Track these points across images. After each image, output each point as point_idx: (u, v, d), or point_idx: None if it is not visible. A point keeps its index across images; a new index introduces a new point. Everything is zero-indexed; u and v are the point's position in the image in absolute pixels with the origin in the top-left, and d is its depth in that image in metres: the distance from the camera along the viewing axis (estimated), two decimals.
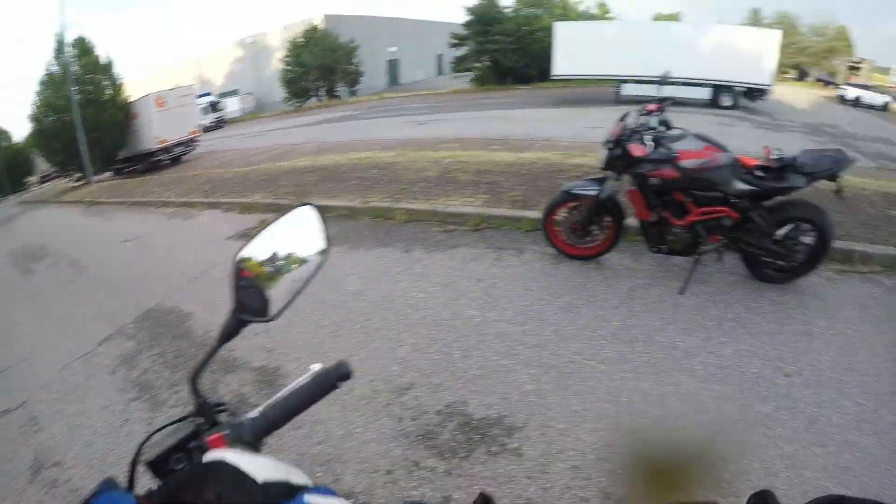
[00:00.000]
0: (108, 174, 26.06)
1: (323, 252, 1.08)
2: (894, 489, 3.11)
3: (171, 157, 22.37)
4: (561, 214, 5.24)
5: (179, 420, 0.98)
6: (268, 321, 1.02)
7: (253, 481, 0.76)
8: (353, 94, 39.44)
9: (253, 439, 0.91)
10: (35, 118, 26.68)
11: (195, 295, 6.03)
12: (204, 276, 6.47)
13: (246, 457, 0.81)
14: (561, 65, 27.29)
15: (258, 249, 1.02)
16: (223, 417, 0.99)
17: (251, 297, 1.00)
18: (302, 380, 0.99)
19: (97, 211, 15.93)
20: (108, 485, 0.83)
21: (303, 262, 1.05)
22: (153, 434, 0.96)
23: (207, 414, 0.97)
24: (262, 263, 1.02)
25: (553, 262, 5.30)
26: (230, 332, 0.99)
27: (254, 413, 0.96)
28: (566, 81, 30.39)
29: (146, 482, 0.91)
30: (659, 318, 4.51)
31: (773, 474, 3.11)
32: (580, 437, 3.23)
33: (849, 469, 3.20)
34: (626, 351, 4.07)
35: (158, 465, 0.90)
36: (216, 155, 20.46)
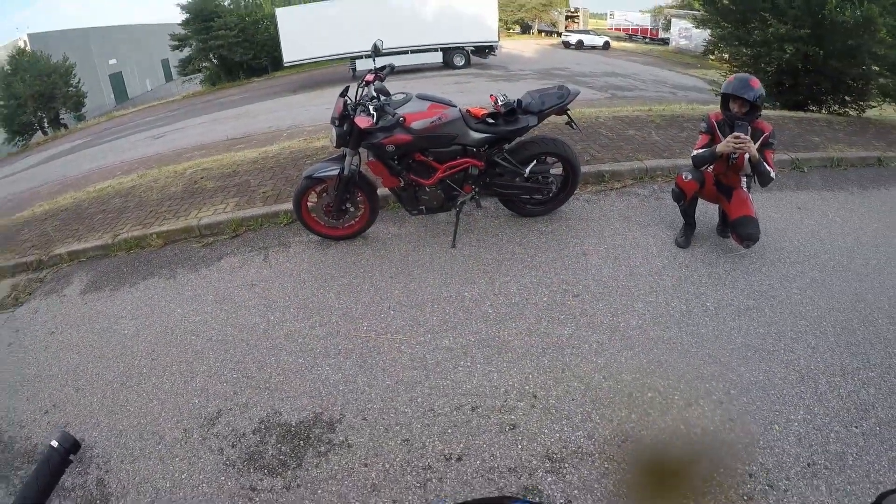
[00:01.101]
0: None
1: None
2: (712, 370, 3.38)
3: None
4: (312, 200, 5.16)
5: None
6: None
7: None
8: (80, 118, 35.13)
9: None
10: None
11: None
12: None
13: None
14: (291, 51, 27.22)
15: None
16: None
17: None
18: (27, 476, 0.96)
19: None
20: None
21: None
22: None
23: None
24: None
25: (321, 249, 5.26)
26: None
27: None
28: (300, 67, 30.44)
29: None
30: (440, 275, 4.58)
31: (595, 387, 3.28)
32: (400, 409, 3.25)
33: (662, 362, 3.46)
34: (418, 315, 4.10)
35: None
36: None
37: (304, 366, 3.73)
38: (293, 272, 4.94)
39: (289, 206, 5.77)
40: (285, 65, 28.93)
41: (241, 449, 3.16)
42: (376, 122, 4.40)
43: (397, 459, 2.93)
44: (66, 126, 33.96)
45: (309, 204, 5.14)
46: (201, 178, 7.51)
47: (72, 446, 1.00)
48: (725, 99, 4.30)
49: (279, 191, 6.45)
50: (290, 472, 2.95)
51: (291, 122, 13.83)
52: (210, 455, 3.15)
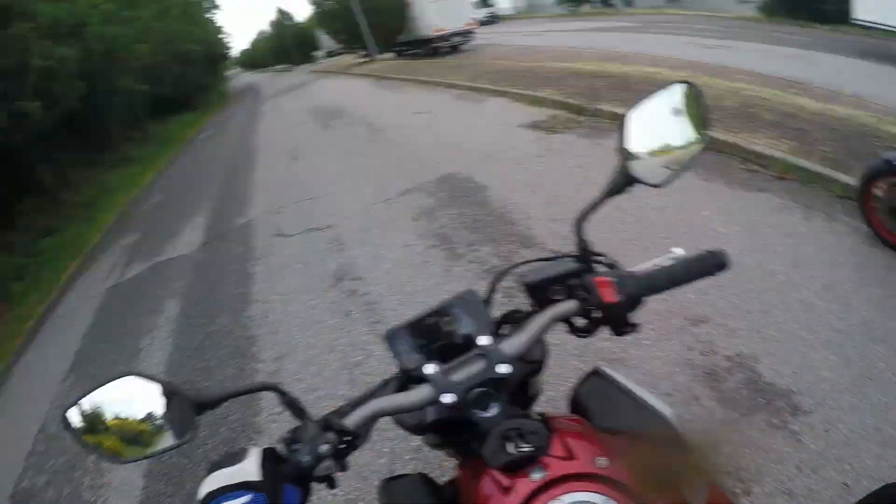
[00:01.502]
0: (389, 55, 28.75)
1: (703, 137, 1.07)
2: None
3: (449, 46, 23.66)
4: (881, 189, 4.08)
5: (557, 257, 1.07)
6: (655, 187, 1.09)
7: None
8: (627, 3, 37.12)
9: (636, 293, 0.97)
10: (315, 2, 31.37)
11: (491, 171, 6.35)
12: (500, 155, 6.78)
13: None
14: (865, 7, 21.94)
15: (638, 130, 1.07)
16: (599, 268, 1.05)
17: (642, 166, 1.07)
18: (679, 257, 1.02)
19: (386, 84, 17.66)
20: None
21: (690, 143, 1.06)
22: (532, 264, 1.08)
23: (587, 259, 1.04)
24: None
25: (867, 243, 4.31)
26: (618, 187, 1.07)
27: (639, 270, 1.01)
28: (867, 30, 24.93)
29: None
30: None
31: None
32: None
33: None
34: None
35: (536, 289, 1.04)
36: (494, 48, 20.64)
37: (804, 341, 3.21)
38: (830, 248, 4.17)
39: (848, 178, 4.87)
40: (851, 20, 23.20)
41: (708, 361, 3.08)
42: None
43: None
44: (613, 6, 36.05)
45: (876, 191, 4.06)
46: (757, 104, 7.09)
47: (720, 264, 1.00)
48: None
49: (839, 158, 5.57)
50: (731, 412, 2.71)
51: (856, 90, 11.83)
52: (678, 345, 3.19)
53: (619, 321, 0.99)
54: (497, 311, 1.11)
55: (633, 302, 0.97)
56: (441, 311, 1.05)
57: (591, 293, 0.97)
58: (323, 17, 32.02)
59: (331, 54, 48.50)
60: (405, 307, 4.40)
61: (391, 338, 1.04)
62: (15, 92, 9.77)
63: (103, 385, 0.92)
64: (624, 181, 1.07)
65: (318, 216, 7.01)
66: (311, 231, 6.60)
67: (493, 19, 39.20)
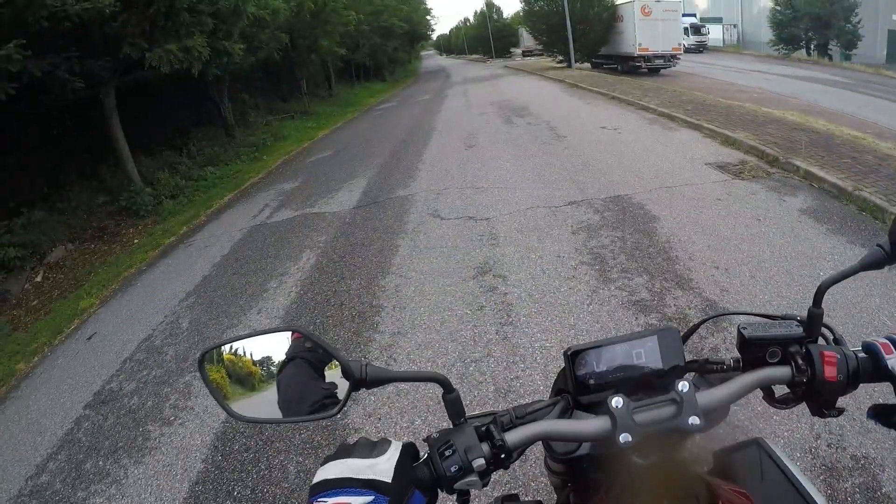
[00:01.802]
0: (586, 65, 29.14)
1: None
2: None
3: (649, 67, 23.53)
4: None
5: (784, 317, 1.02)
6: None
7: None
8: (846, 58, 34.29)
9: (858, 377, 0.93)
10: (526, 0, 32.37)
11: (665, 203, 6.32)
12: (678, 189, 6.66)
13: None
14: None
15: None
16: (821, 340, 1.01)
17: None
18: None
19: (578, 93, 17.67)
20: None
21: None
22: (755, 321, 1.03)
23: (815, 327, 0.98)
24: None
25: None
26: (878, 262, 1.00)
27: (862, 353, 0.96)
28: None
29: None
30: None
31: None
32: None
33: None
34: None
35: (751, 345, 0.98)
36: (695, 78, 20.39)
37: None
38: None
39: None
40: None
41: None
42: None
43: None
44: (830, 58, 33.72)
45: None
46: None
47: None
48: None
49: None
50: None
51: None
52: None
53: (827, 402, 0.95)
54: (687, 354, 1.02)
55: (851, 385, 0.93)
56: (631, 341, 0.99)
57: (811, 365, 0.94)
58: (529, 14, 33.10)
59: (527, 54, 49.59)
60: (540, 316, 4.36)
61: (573, 357, 0.98)
62: (224, 32, 10.91)
63: (261, 333, 0.90)
64: (886, 258, 0.99)
65: (478, 206, 7.15)
66: (468, 219, 6.74)
67: (700, 48, 38.21)
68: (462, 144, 11.25)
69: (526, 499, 1.10)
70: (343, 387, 0.87)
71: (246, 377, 0.90)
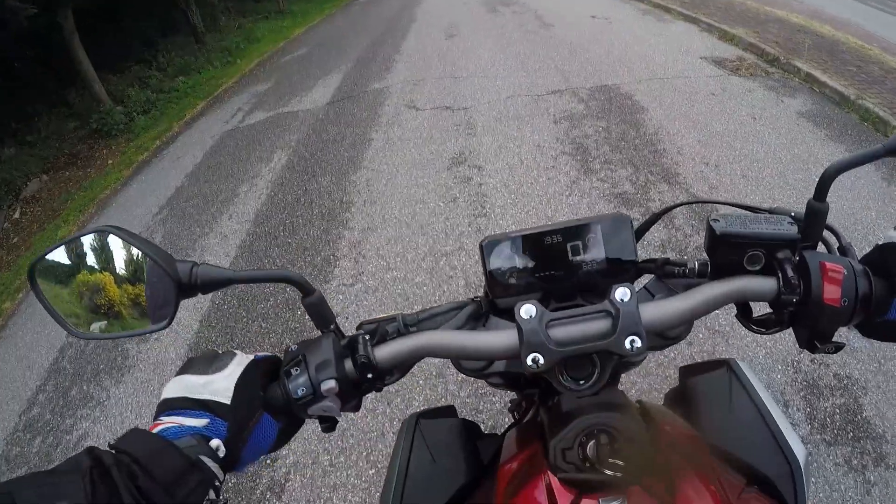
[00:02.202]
0: None
1: None
2: None
3: None
4: None
5: (772, 211, 0.78)
6: None
7: None
8: None
9: (867, 303, 0.70)
10: None
11: (655, 95, 6.00)
12: (670, 82, 6.30)
13: None
14: None
15: None
16: (822, 248, 0.77)
17: None
18: None
19: None
20: None
21: None
22: None
23: (816, 229, 0.73)
24: None
25: None
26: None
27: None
28: None
29: None
30: None
31: None
32: None
33: None
34: None
35: (726, 245, 0.74)
36: None
37: None
38: None
39: None
40: None
41: None
42: None
43: None
44: None
45: None
46: None
47: None
48: None
49: None
50: None
51: None
52: None
53: (822, 332, 0.70)
54: (642, 252, 0.83)
55: (858, 312, 0.69)
56: (571, 231, 0.78)
57: (805, 280, 0.69)
58: None
59: None
60: (515, 208, 4.23)
61: (488, 248, 0.79)
62: None
63: (78, 236, 0.72)
64: None
65: (456, 96, 6.84)
66: (444, 109, 6.47)
67: None
68: (442, 34, 10.72)
69: (447, 412, 1.01)
70: (171, 294, 0.70)
71: (101, 307, 0.75)
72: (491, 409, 2.69)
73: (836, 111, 5.38)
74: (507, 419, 2.63)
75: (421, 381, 2.92)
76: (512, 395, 1.06)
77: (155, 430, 0.62)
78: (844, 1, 14.99)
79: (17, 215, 7.75)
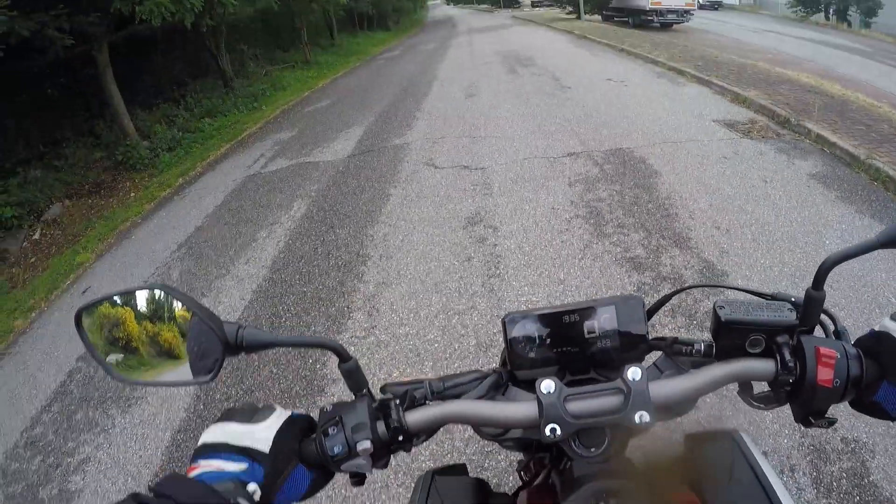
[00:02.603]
0: (597, 17, 28.55)
1: None
2: None
3: (661, 21, 22.98)
4: None
5: (774, 297, 0.85)
6: None
7: None
8: (866, 25, 33.47)
9: (857, 385, 0.76)
10: None
11: (668, 158, 6.14)
12: (683, 145, 6.49)
13: None
14: None
15: None
16: (819, 331, 0.84)
17: None
18: None
19: (586, 45, 17.23)
20: None
21: None
22: None
23: (813, 315, 0.80)
24: None
25: None
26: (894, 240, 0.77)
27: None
28: None
29: None
30: None
31: None
32: None
33: None
34: None
35: (729, 330, 0.81)
36: (708, 35, 20.10)
37: None
38: None
39: None
40: None
41: None
42: None
43: None
44: (849, 24, 33.00)
45: None
46: None
47: None
48: None
49: None
50: None
51: None
52: None
53: (816, 409, 0.77)
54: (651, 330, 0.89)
55: (849, 392, 0.76)
56: (588, 311, 0.86)
57: (801, 363, 0.76)
58: None
59: (536, 4, 48.72)
60: (529, 269, 4.29)
61: (510, 323, 0.87)
62: None
63: (129, 292, 0.79)
64: None
65: (474, 156, 7.02)
66: (462, 168, 6.62)
67: (715, 5, 37.51)
68: (462, 94, 11.01)
69: (460, 470, 1.05)
70: (216, 354, 0.76)
71: (148, 359, 0.81)
72: (496, 467, 2.72)
73: (847, 172, 5.49)
74: (511, 478, 2.68)
75: None
76: (519, 455, 1.12)
77: (192, 474, 0.67)
78: (853, 59, 15.37)
79: (37, 236, 7.90)
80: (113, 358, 0.80)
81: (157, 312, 0.79)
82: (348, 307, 4.19)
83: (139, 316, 0.78)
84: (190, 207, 7.32)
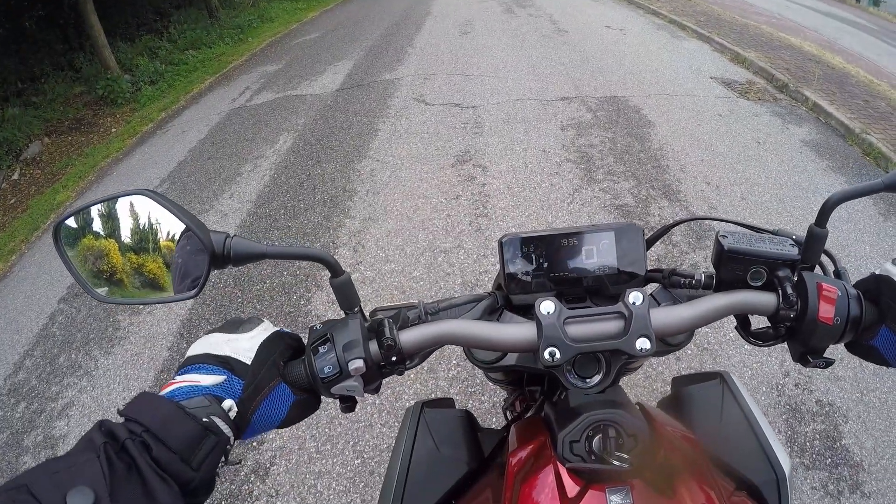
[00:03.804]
0: None
1: None
2: None
3: None
4: None
5: (775, 232, 0.84)
6: None
7: None
8: (875, 3, 33.01)
9: (858, 324, 0.75)
10: None
11: (663, 111, 6.07)
12: (679, 99, 6.40)
13: None
14: None
15: None
16: (819, 270, 0.82)
17: None
18: None
19: None
20: None
21: None
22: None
23: (814, 252, 0.78)
24: None
25: None
26: None
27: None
28: None
29: None
30: None
31: None
32: None
33: None
34: None
35: (731, 261, 0.79)
36: None
37: None
38: None
39: None
40: None
41: None
42: None
43: None
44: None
45: None
46: None
47: None
48: None
49: None
50: None
51: None
52: None
53: (815, 347, 0.76)
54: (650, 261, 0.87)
55: (848, 332, 0.74)
56: (587, 236, 0.84)
57: (802, 298, 0.74)
58: None
59: None
60: (517, 211, 4.26)
61: (507, 245, 0.84)
62: None
63: (111, 198, 0.72)
64: None
65: (465, 94, 6.86)
66: (453, 106, 6.47)
67: None
68: (457, 31, 10.71)
69: (450, 402, 1.04)
70: (202, 264, 0.71)
71: (130, 274, 0.75)
72: (479, 407, 2.72)
73: (840, 143, 5.43)
74: (494, 419, 2.67)
75: (412, 376, 2.94)
76: (503, 394, 1.09)
77: (166, 391, 0.62)
78: (858, 35, 15.14)
79: (15, 176, 7.70)
80: (99, 291, 0.75)
81: (142, 244, 0.73)
82: (333, 242, 4.14)
83: (123, 247, 0.73)
84: (173, 142, 7.14)
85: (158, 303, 0.79)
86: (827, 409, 2.67)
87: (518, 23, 11.07)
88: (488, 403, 2.73)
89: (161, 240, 0.72)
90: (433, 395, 2.82)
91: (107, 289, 0.75)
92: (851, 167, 4.94)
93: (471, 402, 2.75)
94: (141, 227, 0.73)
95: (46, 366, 3.70)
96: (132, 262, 0.73)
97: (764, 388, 2.76)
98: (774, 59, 8.11)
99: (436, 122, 6.03)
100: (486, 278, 3.54)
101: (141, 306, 3.69)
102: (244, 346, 0.67)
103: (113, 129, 8.50)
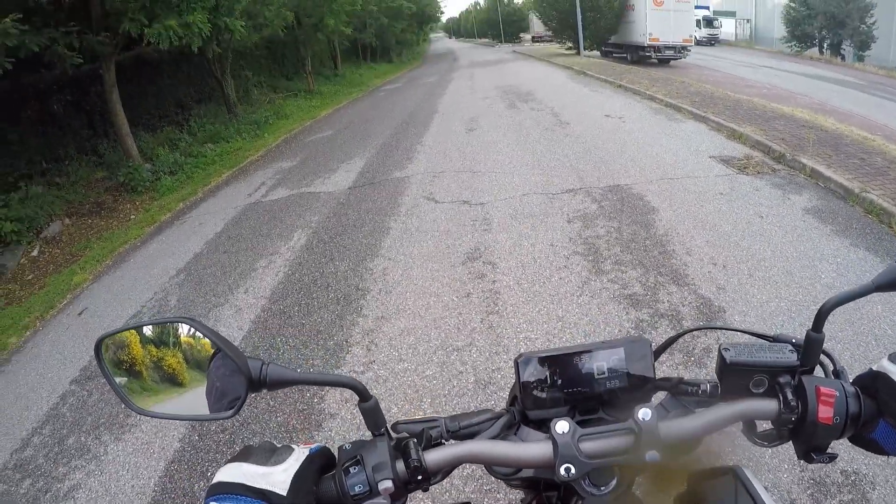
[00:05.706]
0: (596, 53, 29.11)
1: None
2: None
3: (658, 57, 23.42)
4: None
5: (775, 339, 0.88)
6: None
7: None
8: (859, 59, 33.92)
9: (857, 422, 0.80)
10: None
11: (666, 195, 6.19)
12: (680, 181, 6.56)
13: None
14: None
15: None
16: (819, 371, 0.86)
17: None
18: None
19: (584, 81, 17.46)
20: None
21: None
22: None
23: (812, 356, 0.83)
24: None
25: None
26: (893, 283, 0.82)
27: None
28: None
29: None
30: None
31: None
32: None
33: None
34: None
35: (733, 371, 0.85)
36: (704, 71, 19.93)
37: None
38: None
39: None
40: None
41: None
42: None
43: None
44: (843, 58, 33.48)
45: None
46: None
47: None
48: None
49: None
50: None
51: None
52: None
53: (817, 445, 0.80)
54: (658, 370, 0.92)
55: (849, 429, 0.79)
56: (598, 352, 0.88)
57: (802, 402, 0.80)
58: (542, 1, 32.85)
59: (536, 40, 49.66)
60: (527, 306, 4.28)
61: (523, 364, 0.88)
62: (226, 8, 10.78)
63: (153, 323, 0.80)
64: None
65: (473, 191, 7.05)
66: (462, 203, 6.64)
67: (711, 41, 38.16)
68: (463, 128, 11.13)
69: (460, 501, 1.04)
70: (240, 388, 0.77)
71: (168, 391, 0.81)
72: None
73: (841, 205, 5.54)
74: None
75: None
76: (521, 494, 1.11)
77: None
78: (847, 92, 15.51)
79: (35, 253, 7.85)
80: (118, 381, 0.79)
81: (162, 337, 0.79)
82: (347, 341, 4.17)
83: (144, 340, 0.79)
84: (190, 233, 7.31)
85: (196, 420, 0.85)
86: (853, 478, 2.63)
87: (521, 117, 11.50)
88: (504, 501, 2.72)
89: (196, 360, 0.78)
90: (448, 494, 2.80)
91: (145, 401, 0.79)
92: (855, 228, 5.03)
93: (486, 499, 2.73)
94: (181, 348, 0.79)
95: (55, 445, 3.68)
96: (152, 354, 0.79)
97: (786, 466, 2.72)
98: (769, 130, 8.34)
99: (446, 220, 6.17)
100: (499, 376, 3.53)
101: (178, 421, 3.66)
102: (279, 479, 0.71)
103: (132, 216, 8.72)
